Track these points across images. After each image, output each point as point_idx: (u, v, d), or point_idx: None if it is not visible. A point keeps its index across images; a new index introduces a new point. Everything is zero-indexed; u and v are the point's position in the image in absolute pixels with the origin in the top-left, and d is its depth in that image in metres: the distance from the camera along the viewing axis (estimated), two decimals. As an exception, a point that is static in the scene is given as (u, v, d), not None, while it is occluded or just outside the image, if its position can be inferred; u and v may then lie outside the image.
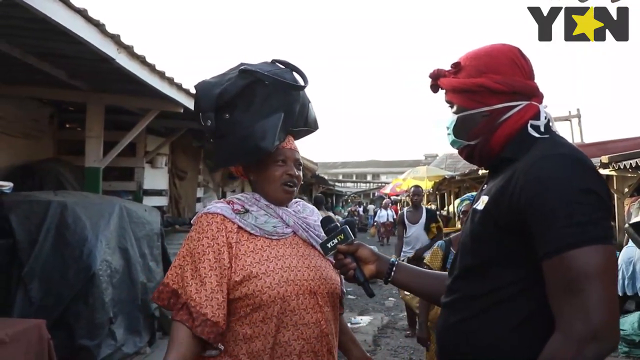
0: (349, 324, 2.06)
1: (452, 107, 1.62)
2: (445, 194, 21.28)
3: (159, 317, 5.97)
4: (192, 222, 1.83)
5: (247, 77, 1.80)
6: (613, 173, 7.12)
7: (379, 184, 45.39)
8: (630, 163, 6.22)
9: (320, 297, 1.79)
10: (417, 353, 6.54)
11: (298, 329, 1.72)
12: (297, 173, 1.87)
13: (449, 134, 1.64)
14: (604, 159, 6.63)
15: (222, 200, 1.88)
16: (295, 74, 1.91)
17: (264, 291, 1.69)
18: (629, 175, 7.46)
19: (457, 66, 1.59)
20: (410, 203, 8.18)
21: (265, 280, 1.70)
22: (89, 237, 4.87)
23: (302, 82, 1.90)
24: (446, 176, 17.24)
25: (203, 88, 1.85)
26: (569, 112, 10.94)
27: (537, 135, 1.46)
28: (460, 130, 1.59)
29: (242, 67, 1.82)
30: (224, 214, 1.78)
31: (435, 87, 1.66)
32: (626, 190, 7.79)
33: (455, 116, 1.59)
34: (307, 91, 1.97)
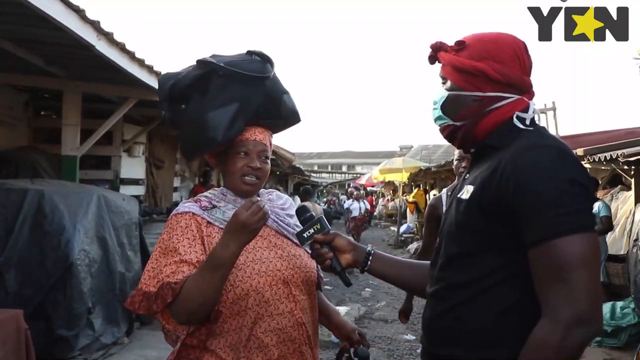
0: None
1: (444, 83, 1.61)
2: (421, 185, 21.44)
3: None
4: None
5: (203, 67, 1.78)
6: (587, 165, 7.25)
7: (354, 175, 45.46)
8: (605, 156, 6.33)
9: (294, 286, 1.79)
10: (395, 343, 6.61)
11: (274, 320, 1.73)
12: (259, 165, 1.82)
13: (435, 109, 1.63)
14: (580, 151, 6.73)
15: (189, 199, 1.87)
16: (268, 65, 1.88)
17: (237, 285, 1.69)
18: (603, 168, 7.60)
19: (461, 44, 1.57)
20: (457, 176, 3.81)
21: (237, 274, 1.69)
22: (67, 227, 4.81)
23: (263, 74, 1.85)
24: (422, 167, 17.34)
25: (161, 79, 1.85)
26: (545, 104, 11.03)
27: (522, 126, 1.49)
28: (448, 108, 1.58)
29: (198, 58, 1.80)
30: (193, 211, 1.77)
31: (433, 59, 1.64)
32: (599, 182, 7.94)
33: (447, 93, 1.58)
34: (285, 82, 1.94)
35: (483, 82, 1.52)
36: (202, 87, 1.78)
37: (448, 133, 1.63)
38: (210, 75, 1.78)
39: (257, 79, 1.83)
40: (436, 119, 1.64)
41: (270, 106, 1.88)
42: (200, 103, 1.77)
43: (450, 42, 1.61)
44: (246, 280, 1.70)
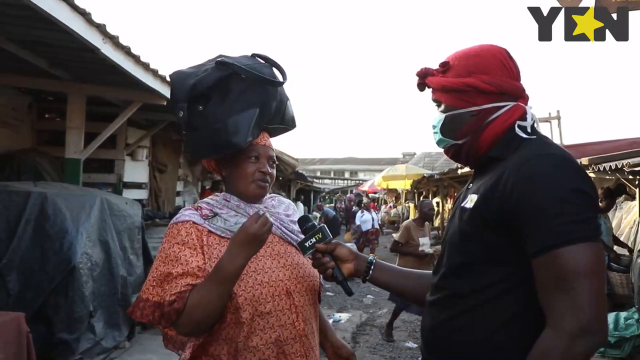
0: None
1: (439, 106, 1.63)
2: (424, 192, 21.40)
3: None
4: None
5: (224, 69, 1.75)
6: (592, 175, 7.23)
7: (357, 181, 45.48)
8: (610, 165, 6.30)
9: (297, 297, 1.76)
10: (396, 351, 6.58)
11: (275, 331, 1.70)
12: (269, 170, 1.83)
13: (435, 133, 1.65)
14: (584, 160, 6.69)
15: (190, 207, 1.82)
16: (274, 69, 1.88)
17: (239, 294, 1.66)
18: (607, 177, 7.56)
19: (445, 65, 1.60)
20: None
21: (239, 284, 1.66)
22: (70, 229, 4.80)
23: (280, 79, 1.86)
24: (425, 175, 17.32)
25: (178, 78, 1.80)
26: (549, 113, 10.98)
27: (524, 135, 1.49)
28: (447, 129, 1.60)
29: (219, 59, 1.77)
30: (193, 220, 1.73)
31: (422, 86, 1.66)
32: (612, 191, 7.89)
33: (443, 115, 1.60)
34: (286, 88, 1.93)
35: (475, 96, 1.53)
36: (223, 89, 1.75)
37: (452, 153, 1.65)
38: (231, 78, 1.76)
39: (275, 85, 1.83)
40: (438, 142, 1.66)
41: (278, 112, 1.88)
42: (221, 106, 1.74)
43: (435, 65, 1.63)
44: (248, 290, 1.68)
